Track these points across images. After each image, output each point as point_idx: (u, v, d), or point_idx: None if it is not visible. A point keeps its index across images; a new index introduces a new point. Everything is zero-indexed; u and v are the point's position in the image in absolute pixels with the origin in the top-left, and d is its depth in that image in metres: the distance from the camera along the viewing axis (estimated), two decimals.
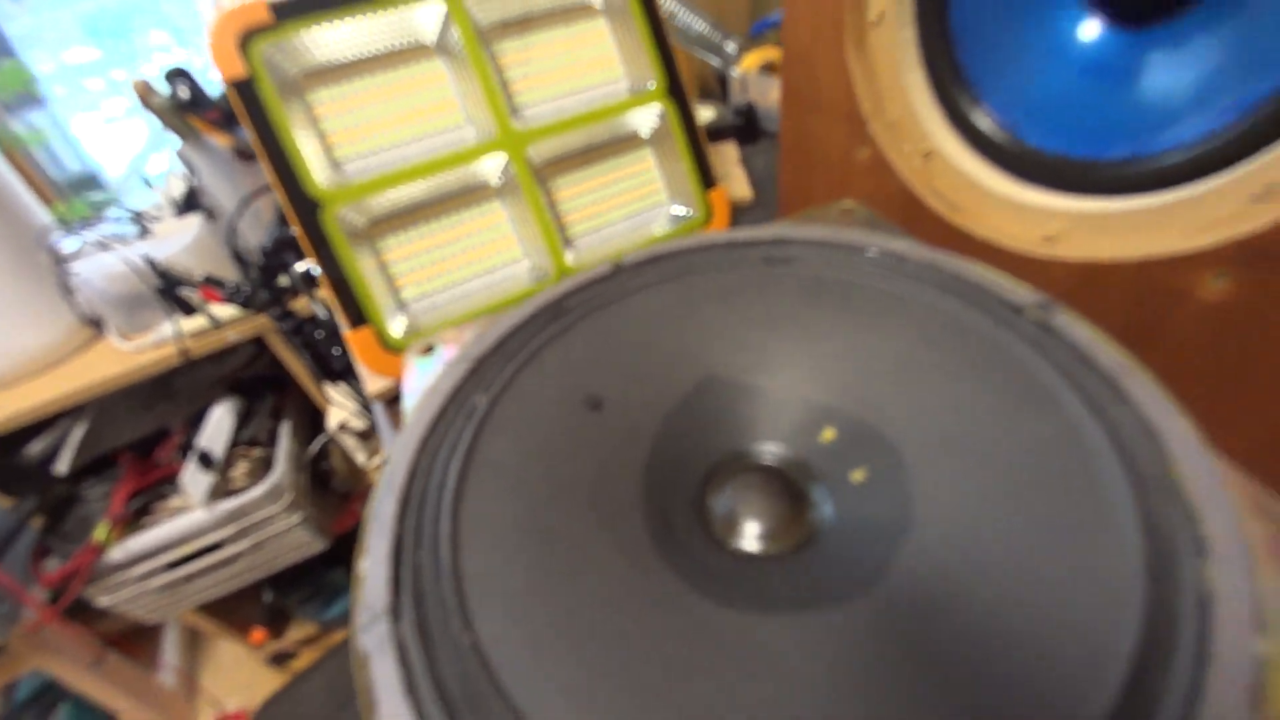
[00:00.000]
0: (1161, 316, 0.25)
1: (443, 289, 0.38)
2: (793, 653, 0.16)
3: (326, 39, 0.34)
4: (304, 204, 0.34)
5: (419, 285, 0.38)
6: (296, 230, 0.34)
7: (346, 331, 0.35)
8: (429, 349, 0.26)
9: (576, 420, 0.22)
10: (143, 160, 1.36)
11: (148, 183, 1.26)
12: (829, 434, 0.22)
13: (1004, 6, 0.29)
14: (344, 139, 0.36)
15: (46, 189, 1.23)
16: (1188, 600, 0.15)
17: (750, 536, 0.21)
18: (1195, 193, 0.24)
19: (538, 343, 0.24)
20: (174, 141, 0.77)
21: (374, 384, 0.38)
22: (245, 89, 0.32)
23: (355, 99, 0.36)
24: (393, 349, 0.36)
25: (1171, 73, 0.25)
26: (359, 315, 0.35)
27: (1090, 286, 0.27)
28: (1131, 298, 0.26)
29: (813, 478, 0.22)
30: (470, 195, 0.39)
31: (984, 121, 0.31)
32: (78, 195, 1.31)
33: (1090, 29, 0.28)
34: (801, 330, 0.24)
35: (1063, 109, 0.29)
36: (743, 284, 0.26)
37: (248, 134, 0.33)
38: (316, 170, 0.34)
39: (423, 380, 0.25)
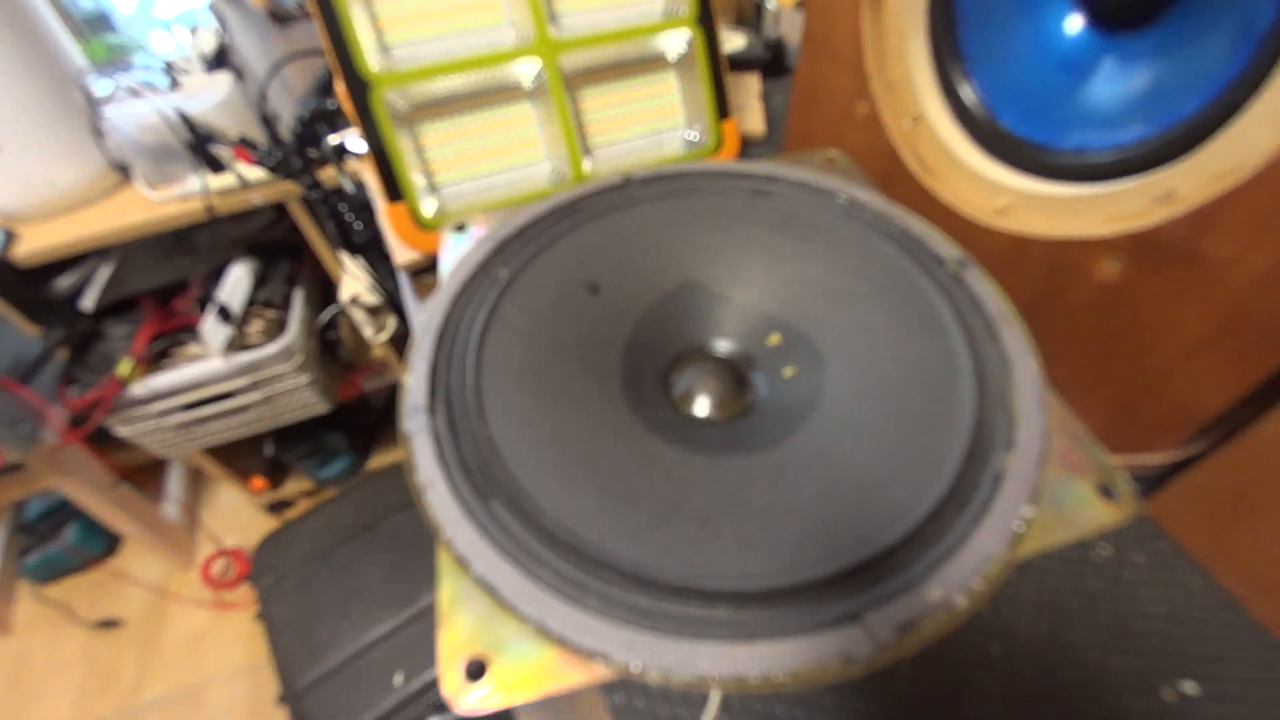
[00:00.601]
0: (1065, 287, 0.30)
1: (470, 178, 0.43)
2: (706, 476, 0.22)
3: None
4: (356, 82, 0.38)
5: (449, 172, 0.42)
6: (346, 106, 0.38)
7: (383, 204, 0.40)
8: (461, 227, 0.31)
9: (578, 299, 0.28)
10: (151, 1, 1.32)
11: (166, 27, 1.23)
12: (774, 339, 0.28)
13: None
14: (395, 24, 0.39)
15: (70, 24, 1.20)
16: (988, 476, 0.21)
17: (700, 405, 0.27)
18: (1116, 189, 0.28)
19: (553, 234, 0.29)
20: None
21: (402, 255, 0.43)
22: None
23: None
24: (423, 226, 0.41)
25: (1124, 82, 0.29)
26: (396, 191, 0.40)
27: (1019, 255, 0.32)
28: (1046, 270, 0.31)
29: (756, 369, 0.28)
30: (503, 94, 0.42)
31: (968, 94, 0.34)
32: (94, 35, 1.28)
33: (1073, 24, 0.31)
34: (769, 255, 0.29)
35: (1034, 96, 0.32)
36: (729, 210, 0.30)
37: (312, 14, 0.36)
38: (369, 53, 0.38)
39: (455, 252, 0.30)
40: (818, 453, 0.23)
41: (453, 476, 0.21)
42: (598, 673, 0.17)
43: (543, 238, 0.29)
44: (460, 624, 0.18)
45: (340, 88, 0.38)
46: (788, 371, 0.27)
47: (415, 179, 0.40)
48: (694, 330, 0.29)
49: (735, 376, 0.28)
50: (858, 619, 0.18)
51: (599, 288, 0.28)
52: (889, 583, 0.18)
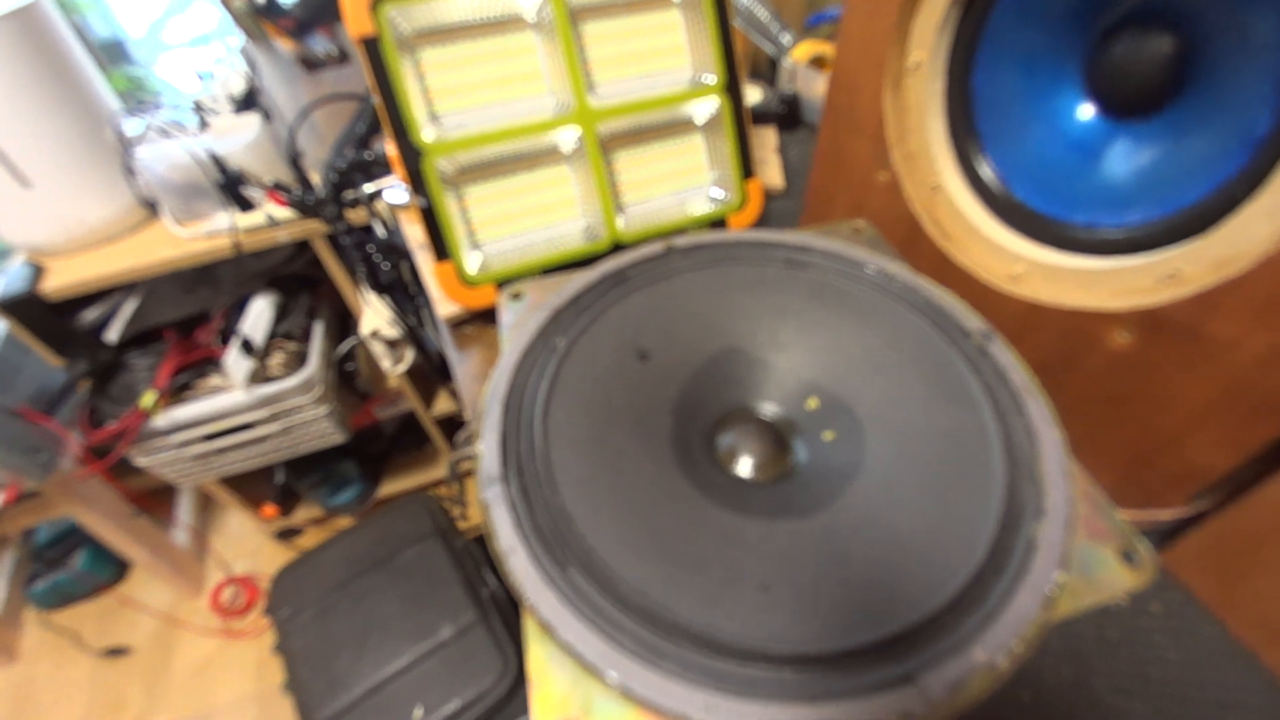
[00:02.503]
0: (1078, 353, 0.33)
1: (510, 236, 0.45)
2: (761, 541, 0.24)
3: (439, 5, 0.39)
4: (410, 151, 0.40)
5: (491, 230, 0.45)
6: (399, 171, 0.41)
7: (431, 262, 0.42)
8: (517, 295, 0.33)
9: (629, 365, 0.30)
10: (161, 25, 1.34)
11: (177, 54, 1.24)
12: (813, 403, 0.30)
13: (1018, 79, 0.35)
14: (444, 95, 0.42)
15: (97, 61, 1.23)
16: (1021, 543, 0.23)
17: (744, 467, 0.29)
18: (1124, 264, 0.31)
19: (604, 303, 0.31)
20: (196, 2, 0.78)
21: (445, 309, 0.45)
22: (371, 46, 0.38)
23: (457, 60, 0.41)
24: (467, 283, 0.43)
25: (1132, 165, 0.32)
26: (443, 250, 0.42)
27: (1033, 321, 0.34)
28: (1060, 336, 0.33)
29: (796, 433, 0.30)
30: (543, 158, 0.45)
31: (985, 170, 0.37)
32: (113, 65, 1.31)
33: (1085, 112, 0.34)
34: (805, 322, 0.31)
35: (1048, 173, 0.35)
36: (766, 279, 0.33)
37: (370, 87, 0.39)
38: (423, 124, 0.40)
39: (513, 318, 0.32)
40: (863, 518, 0.25)
41: (531, 544, 0.22)
42: None
43: (594, 307, 0.31)
44: (552, 686, 0.20)
45: (393, 152, 0.41)
46: (827, 435, 0.29)
47: (460, 238, 0.43)
48: (736, 393, 0.31)
49: (776, 439, 0.30)
50: (912, 680, 0.20)
51: (648, 354, 0.30)
52: (938, 645, 0.20)
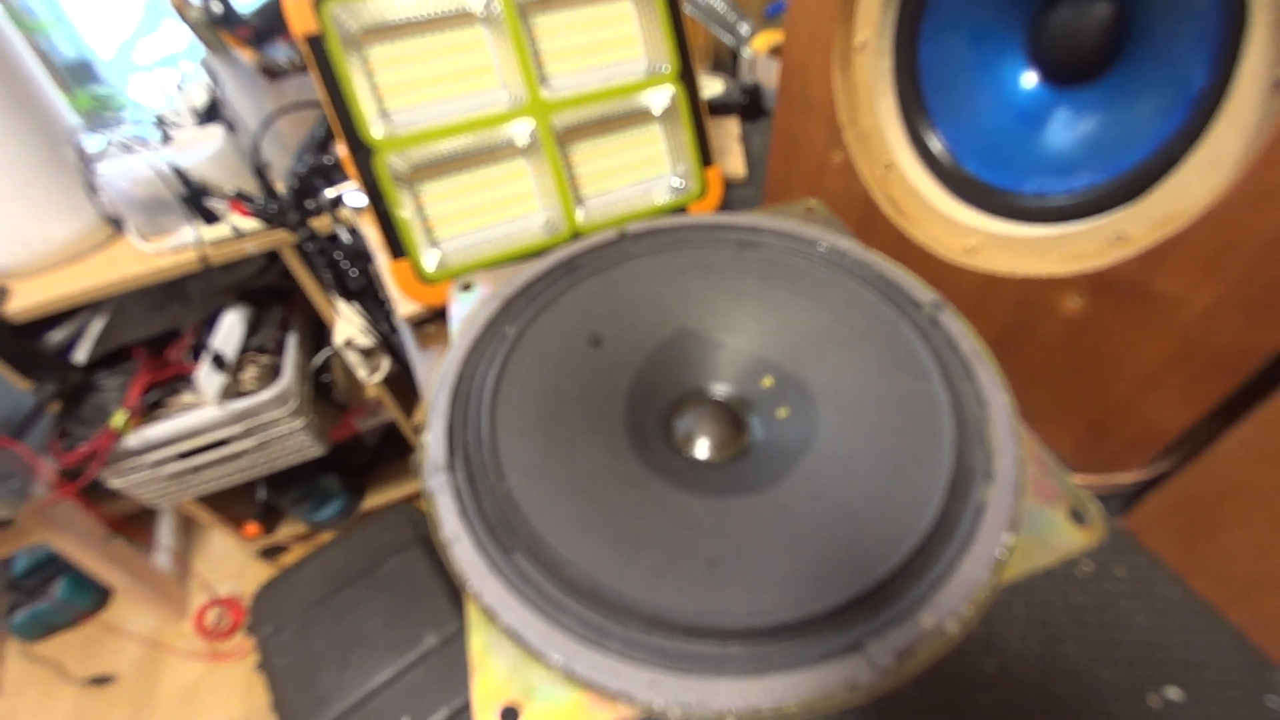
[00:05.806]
0: (1033, 321, 0.33)
1: (469, 232, 0.45)
2: (712, 519, 0.24)
3: (385, 1, 0.39)
4: (359, 148, 0.40)
5: (449, 227, 0.44)
6: (350, 170, 0.40)
7: (387, 261, 0.42)
8: (468, 286, 0.32)
9: (581, 352, 0.29)
10: (131, 45, 1.33)
11: (146, 73, 1.24)
12: (768, 381, 0.30)
13: (964, 52, 0.35)
14: (394, 92, 0.41)
15: (58, 80, 1.22)
16: (971, 507, 0.23)
17: (701, 448, 0.28)
18: (1073, 230, 0.31)
19: (555, 290, 0.31)
20: (166, 21, 0.78)
21: (405, 308, 0.44)
22: (315, 44, 0.38)
23: (406, 56, 0.41)
24: (426, 280, 0.42)
25: (1076, 131, 0.32)
26: (399, 248, 0.42)
27: (989, 292, 0.34)
28: (1015, 305, 0.33)
29: (752, 411, 0.29)
30: (499, 152, 0.44)
31: (935, 144, 0.37)
32: (79, 85, 1.29)
33: (1029, 80, 0.34)
34: (758, 302, 0.31)
35: (996, 145, 0.35)
36: (719, 261, 0.32)
37: (316, 86, 0.38)
38: (372, 121, 0.40)
39: (463, 310, 0.32)
40: (814, 491, 0.24)
41: (476, 531, 0.22)
42: (623, 712, 0.18)
43: (545, 295, 0.31)
44: (492, 672, 0.19)
45: (343, 152, 0.40)
46: (782, 412, 0.29)
47: (417, 236, 0.42)
48: (692, 376, 0.31)
49: (732, 419, 0.29)
50: (859, 648, 0.19)
51: (601, 340, 0.30)
52: (886, 613, 0.20)
